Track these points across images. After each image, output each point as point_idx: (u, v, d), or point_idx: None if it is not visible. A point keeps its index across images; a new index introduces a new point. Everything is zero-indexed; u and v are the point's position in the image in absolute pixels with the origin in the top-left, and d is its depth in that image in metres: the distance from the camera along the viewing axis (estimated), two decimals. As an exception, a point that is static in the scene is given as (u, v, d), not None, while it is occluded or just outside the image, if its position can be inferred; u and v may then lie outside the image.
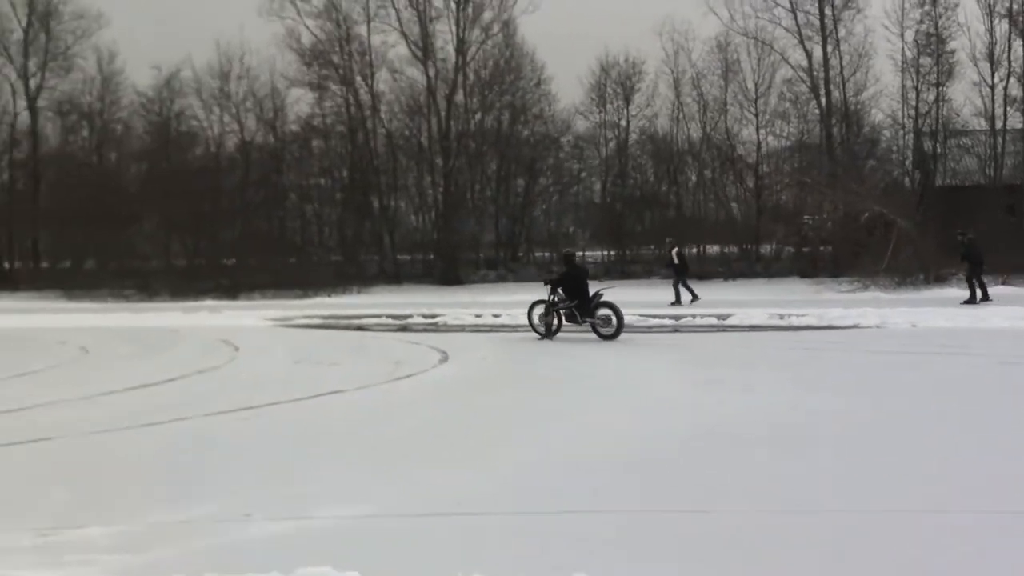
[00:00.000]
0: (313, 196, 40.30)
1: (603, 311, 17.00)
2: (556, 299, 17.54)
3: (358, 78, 37.63)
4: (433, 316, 21.57)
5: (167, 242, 40.74)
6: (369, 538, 5.56)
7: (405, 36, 36.87)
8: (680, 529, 5.61)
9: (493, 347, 16.68)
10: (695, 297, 24.66)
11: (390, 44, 37.30)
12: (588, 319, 17.07)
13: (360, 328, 20.87)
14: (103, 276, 37.60)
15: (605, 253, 38.95)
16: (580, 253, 32.59)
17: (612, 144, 38.46)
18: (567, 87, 43.43)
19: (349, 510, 6.16)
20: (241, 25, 44.65)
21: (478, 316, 21.35)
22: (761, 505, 6.03)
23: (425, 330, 19.79)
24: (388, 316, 22.51)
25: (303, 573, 4.62)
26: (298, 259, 38.46)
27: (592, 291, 17.36)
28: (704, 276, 32.04)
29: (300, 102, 39.09)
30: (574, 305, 17.24)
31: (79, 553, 5.26)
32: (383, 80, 38.14)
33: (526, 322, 17.89)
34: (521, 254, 38.52)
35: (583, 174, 40.25)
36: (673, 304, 24.08)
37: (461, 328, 20.06)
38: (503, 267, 37.44)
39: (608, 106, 38.06)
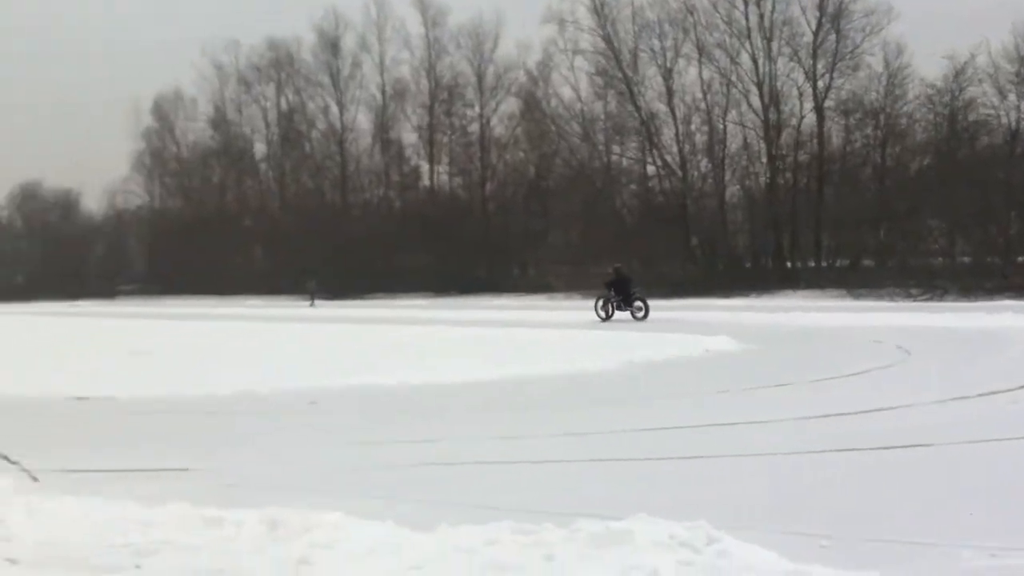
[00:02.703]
0: None
1: (637, 303, 26.40)
2: (611, 295, 26.99)
3: None
4: None
5: (952, 238, 38.95)
6: None
7: None
8: None
9: None
10: None
11: None
12: (629, 307, 26.38)
13: None
14: (885, 274, 37.15)
15: None
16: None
17: None
18: None
19: None
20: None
21: None
22: None
23: None
24: None
25: None
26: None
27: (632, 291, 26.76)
28: None
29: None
30: (621, 299, 26.66)
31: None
32: None
33: None
34: None
35: None
36: None
37: None
38: None
39: None
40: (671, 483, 7.09)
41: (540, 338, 20.23)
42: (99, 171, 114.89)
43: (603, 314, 27.00)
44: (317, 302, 49.81)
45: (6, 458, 8.67)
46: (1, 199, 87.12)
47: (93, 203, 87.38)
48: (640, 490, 6.80)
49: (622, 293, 26.84)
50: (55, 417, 11.38)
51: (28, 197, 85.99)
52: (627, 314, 26.28)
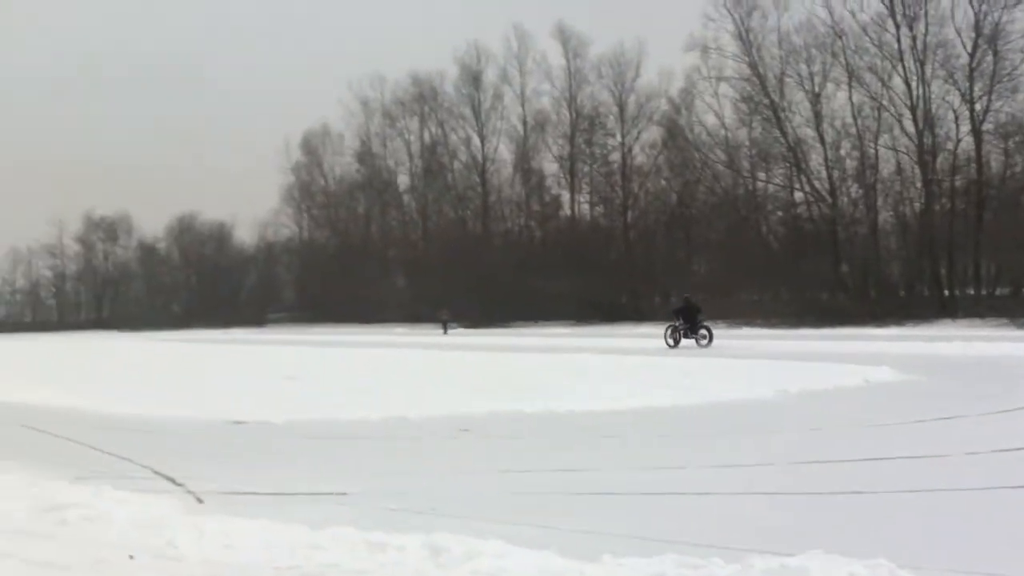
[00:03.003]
0: None
1: (702, 330, 28.05)
2: (678, 323, 28.78)
3: None
4: None
5: None
6: None
7: None
8: None
9: None
10: None
11: None
12: (694, 335, 28.09)
13: None
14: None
15: None
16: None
17: None
18: None
19: None
20: None
21: None
22: None
23: None
24: None
25: None
26: None
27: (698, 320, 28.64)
28: None
29: None
30: (687, 327, 28.40)
31: None
32: None
33: None
34: None
35: None
36: None
37: None
38: None
39: None
40: (841, 518, 6.76)
41: (689, 366, 19.75)
42: (250, 204, 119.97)
43: (671, 341, 28.70)
44: (450, 330, 50.57)
45: (171, 480, 8.93)
46: (160, 231, 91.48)
47: (245, 234, 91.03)
48: (809, 525, 6.50)
49: (689, 321, 28.76)
50: (214, 440, 11.71)
51: (185, 229, 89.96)
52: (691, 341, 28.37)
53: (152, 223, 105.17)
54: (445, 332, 49.85)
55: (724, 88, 50.30)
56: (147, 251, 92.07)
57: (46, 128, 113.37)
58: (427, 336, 45.09)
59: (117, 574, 5.70)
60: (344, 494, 8.03)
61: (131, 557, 6.03)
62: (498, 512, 7.10)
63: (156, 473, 9.29)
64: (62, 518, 7.19)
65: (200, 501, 7.96)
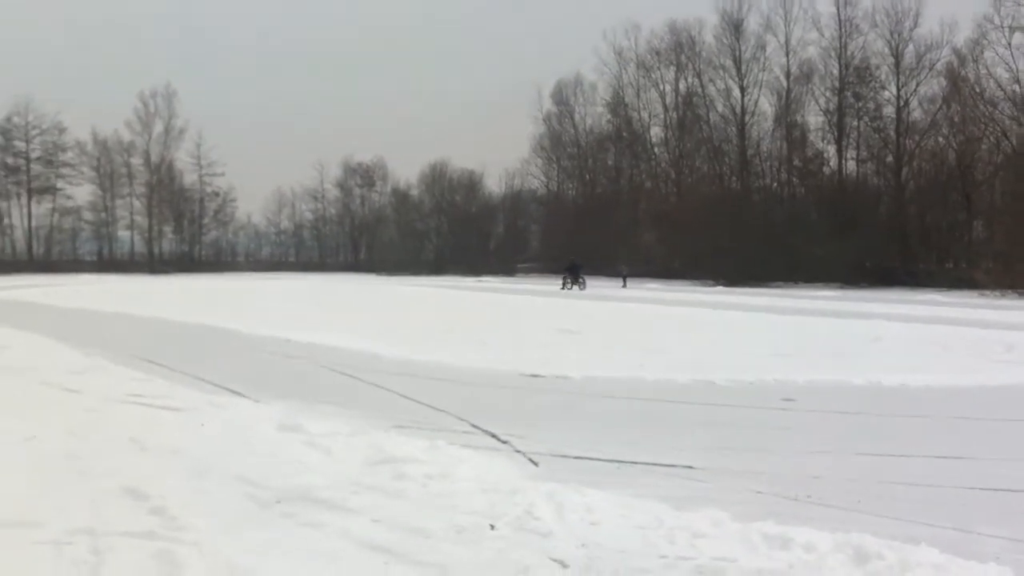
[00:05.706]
0: None
1: (581, 281, 46.23)
2: (567, 276, 46.62)
3: None
4: None
5: None
6: None
7: None
8: None
9: None
10: None
11: None
12: (576, 285, 45.67)
13: None
14: None
15: None
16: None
17: None
18: None
19: None
20: None
21: None
22: None
23: None
24: None
25: None
26: None
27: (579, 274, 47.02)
28: None
29: None
30: (572, 279, 46.28)
31: None
32: None
33: None
34: None
35: None
36: None
37: None
38: None
39: None
40: None
41: (1010, 340, 17.41)
42: (499, 153, 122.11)
43: (562, 289, 44.27)
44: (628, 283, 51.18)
45: (495, 436, 8.43)
46: (414, 178, 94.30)
47: (493, 183, 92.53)
48: None
49: (573, 275, 46.28)
50: (517, 394, 11.23)
51: (437, 177, 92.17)
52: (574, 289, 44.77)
53: (406, 169, 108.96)
54: (624, 285, 49.57)
55: (1018, 38, 45.82)
56: (400, 197, 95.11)
57: (311, 77, 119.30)
58: (686, 292, 43.81)
59: (485, 548, 5.11)
60: (691, 467, 7.23)
61: (492, 527, 5.46)
62: (890, 505, 6.10)
63: (475, 427, 8.84)
64: (400, 472, 6.77)
65: (534, 463, 7.39)
